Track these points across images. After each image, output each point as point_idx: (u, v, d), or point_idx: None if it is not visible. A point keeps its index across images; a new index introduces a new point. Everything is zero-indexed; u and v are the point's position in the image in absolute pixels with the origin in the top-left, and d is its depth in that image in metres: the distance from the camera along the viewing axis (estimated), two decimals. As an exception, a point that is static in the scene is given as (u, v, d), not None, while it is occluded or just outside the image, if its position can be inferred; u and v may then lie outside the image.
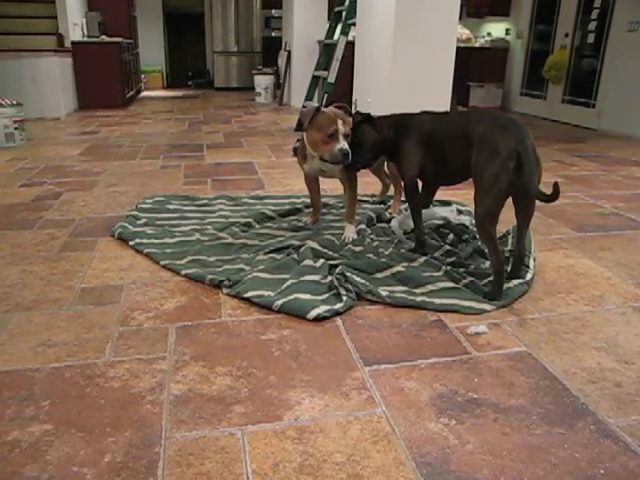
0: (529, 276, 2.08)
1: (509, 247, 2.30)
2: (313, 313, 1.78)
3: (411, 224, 2.42)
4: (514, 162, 1.78)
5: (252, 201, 3.03)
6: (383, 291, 1.93)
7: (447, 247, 2.28)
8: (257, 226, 2.62)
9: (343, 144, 2.15)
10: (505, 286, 1.97)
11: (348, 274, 1.99)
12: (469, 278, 2.03)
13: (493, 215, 1.86)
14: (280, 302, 1.84)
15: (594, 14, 6.21)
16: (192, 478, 1.14)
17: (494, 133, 1.85)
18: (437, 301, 1.89)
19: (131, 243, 2.40)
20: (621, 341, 1.70)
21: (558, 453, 1.22)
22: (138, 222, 2.65)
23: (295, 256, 2.18)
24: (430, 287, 1.98)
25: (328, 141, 2.18)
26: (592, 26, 6.25)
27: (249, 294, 1.91)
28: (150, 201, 2.99)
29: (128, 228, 2.55)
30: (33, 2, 6.97)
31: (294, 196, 3.12)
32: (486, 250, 2.27)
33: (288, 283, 1.95)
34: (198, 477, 1.14)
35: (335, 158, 2.17)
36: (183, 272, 2.12)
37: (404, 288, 1.98)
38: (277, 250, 2.27)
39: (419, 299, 1.91)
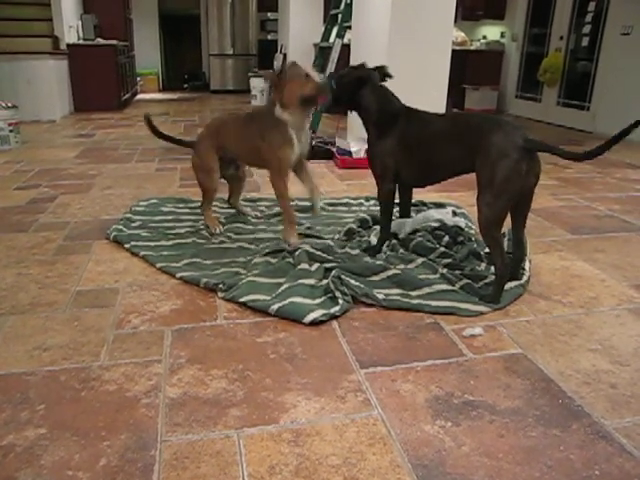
0: (525, 278, 2.08)
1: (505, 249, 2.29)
2: (309, 317, 1.78)
3: (407, 229, 2.41)
4: (525, 162, 1.78)
5: (245, 203, 3.00)
6: (379, 294, 1.93)
7: (442, 249, 2.28)
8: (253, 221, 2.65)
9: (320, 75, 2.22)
10: None
11: (344, 277, 1.99)
12: (465, 280, 2.03)
13: (501, 219, 1.86)
14: (276, 306, 1.83)
15: (588, 17, 6.25)
16: (188, 481, 1.14)
17: (499, 135, 1.82)
18: (433, 303, 1.90)
19: (127, 246, 2.39)
20: (616, 343, 1.71)
21: (554, 455, 1.22)
22: (132, 224, 2.64)
23: (290, 260, 2.18)
24: (426, 290, 1.98)
25: (306, 82, 2.20)
26: (587, 29, 6.28)
27: (244, 298, 1.90)
28: (144, 204, 2.98)
29: (123, 231, 2.54)
30: (28, 4, 6.95)
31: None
32: (482, 252, 2.28)
33: (284, 287, 1.95)
34: (194, 480, 1.14)
35: (323, 87, 2.20)
36: (178, 275, 2.12)
37: (400, 291, 1.98)
38: (272, 253, 2.27)
39: (415, 302, 1.91)
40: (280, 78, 2.24)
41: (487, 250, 2.28)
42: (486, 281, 2.04)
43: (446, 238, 2.40)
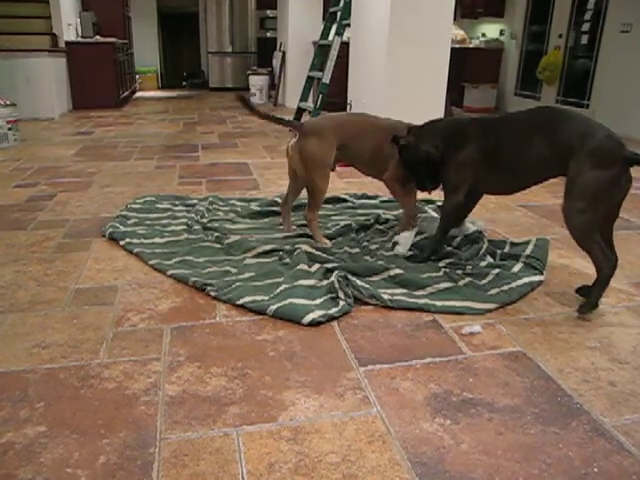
0: (535, 278, 2.06)
1: (527, 253, 2.24)
2: (308, 318, 1.77)
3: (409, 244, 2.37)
4: (626, 174, 1.74)
5: (240, 203, 3.00)
6: (385, 294, 1.92)
7: (447, 249, 2.26)
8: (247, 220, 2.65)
9: None
10: (507, 286, 1.97)
11: (351, 277, 1.97)
12: (467, 278, 2.03)
13: (597, 225, 1.84)
14: (274, 307, 1.82)
15: (588, 15, 6.25)
16: (187, 479, 1.14)
17: (601, 141, 1.77)
18: (439, 303, 1.88)
19: (121, 243, 2.39)
20: (615, 341, 1.71)
21: (552, 452, 1.22)
22: (128, 222, 2.64)
23: (288, 260, 2.17)
24: (430, 289, 1.97)
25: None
26: (586, 27, 6.28)
27: (241, 301, 1.88)
28: (140, 201, 2.98)
29: (118, 228, 2.54)
30: (27, 2, 6.94)
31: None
32: (498, 252, 2.23)
33: (282, 287, 1.93)
34: (193, 478, 1.14)
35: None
36: (169, 272, 2.11)
37: (404, 290, 1.97)
38: (266, 253, 2.25)
39: (421, 301, 1.90)
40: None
41: (506, 250, 2.27)
42: (489, 278, 2.03)
43: (458, 239, 2.38)
